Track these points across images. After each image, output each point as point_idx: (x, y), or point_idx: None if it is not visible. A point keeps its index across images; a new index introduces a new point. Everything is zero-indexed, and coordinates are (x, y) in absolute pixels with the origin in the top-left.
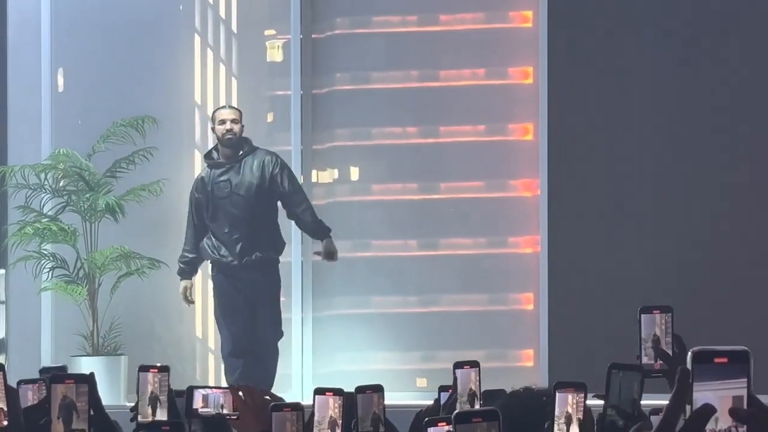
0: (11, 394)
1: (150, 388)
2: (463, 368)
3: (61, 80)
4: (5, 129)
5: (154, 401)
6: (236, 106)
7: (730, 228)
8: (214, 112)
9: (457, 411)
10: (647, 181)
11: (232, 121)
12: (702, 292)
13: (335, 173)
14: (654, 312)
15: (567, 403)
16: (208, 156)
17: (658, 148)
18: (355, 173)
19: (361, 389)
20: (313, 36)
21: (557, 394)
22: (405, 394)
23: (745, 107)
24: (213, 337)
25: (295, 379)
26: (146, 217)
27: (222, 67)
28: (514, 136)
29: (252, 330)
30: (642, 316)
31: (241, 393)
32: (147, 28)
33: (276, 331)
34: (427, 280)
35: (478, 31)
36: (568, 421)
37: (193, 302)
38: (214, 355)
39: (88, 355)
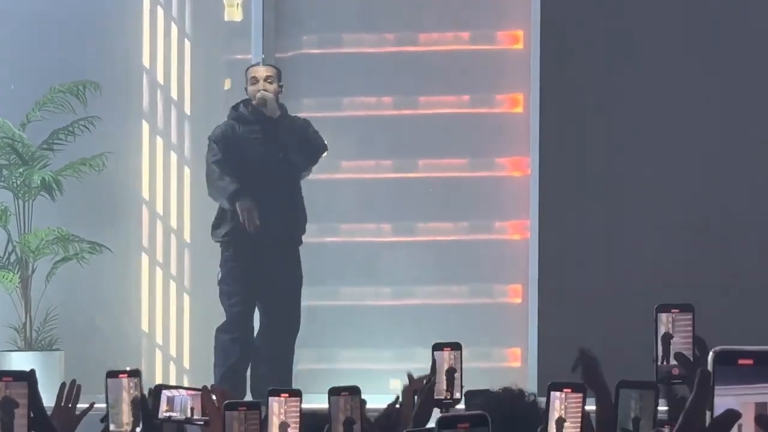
0: None
1: (125, 395)
2: (442, 350)
3: None
4: None
5: (134, 408)
6: (272, 65)
7: (739, 217)
8: (247, 69)
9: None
10: (648, 163)
11: (266, 79)
12: (711, 288)
13: None
14: (672, 311)
15: (561, 406)
16: (235, 108)
17: (661, 126)
18: None
19: (335, 391)
20: None
21: (552, 393)
22: (377, 397)
23: (749, 93)
24: (161, 332)
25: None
26: (87, 195)
27: (174, 27)
28: (502, 108)
29: (265, 320)
30: (659, 315)
31: (214, 397)
32: None
33: (295, 323)
34: (403, 270)
35: (462, 52)
36: (560, 427)
37: (258, 226)
38: (162, 352)
39: (20, 350)
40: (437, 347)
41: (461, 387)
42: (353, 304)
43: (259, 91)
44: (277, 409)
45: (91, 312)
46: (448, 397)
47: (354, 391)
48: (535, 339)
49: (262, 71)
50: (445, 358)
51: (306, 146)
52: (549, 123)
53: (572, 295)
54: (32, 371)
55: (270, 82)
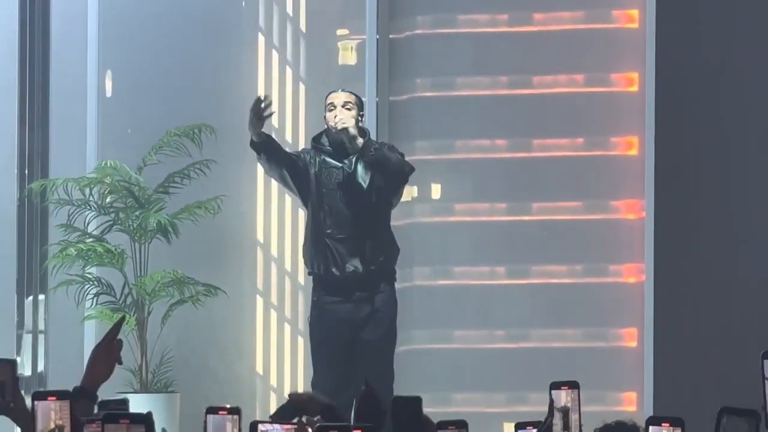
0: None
1: None
2: (560, 389)
3: (108, 84)
4: (47, 138)
5: None
6: (352, 92)
7: None
8: (327, 95)
9: None
10: (767, 203)
11: (344, 105)
12: None
13: (414, 191)
14: None
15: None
16: (316, 140)
17: None
18: (436, 191)
19: (443, 425)
20: (391, 36)
21: (650, 429)
22: None
23: None
24: (275, 374)
25: None
26: (202, 238)
27: (288, 71)
28: (617, 151)
29: (352, 373)
30: (765, 361)
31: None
32: (205, 26)
33: (388, 373)
34: (517, 312)
35: (576, 31)
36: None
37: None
38: (277, 394)
39: (135, 392)
40: (554, 386)
41: (580, 427)
42: (466, 347)
43: (335, 117)
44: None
45: (205, 354)
46: None
47: (461, 425)
48: (651, 383)
49: (341, 97)
50: (563, 397)
51: (391, 172)
52: (664, 165)
53: (688, 338)
54: (149, 414)
55: (348, 109)
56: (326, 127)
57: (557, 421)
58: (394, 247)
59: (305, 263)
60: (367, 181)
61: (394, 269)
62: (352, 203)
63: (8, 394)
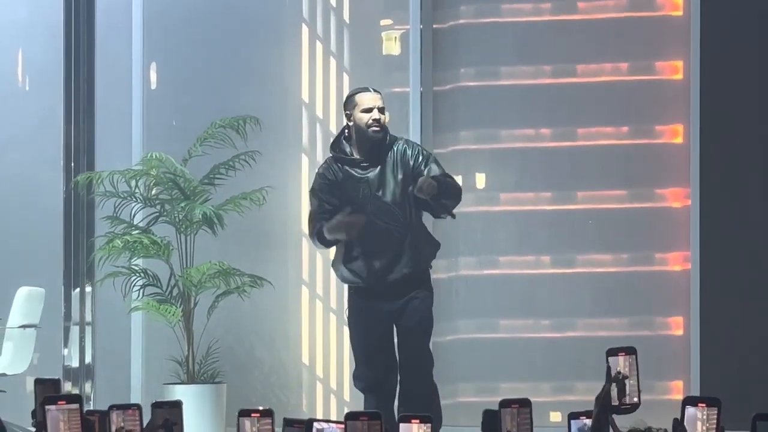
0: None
1: None
2: (617, 356)
3: (153, 76)
4: (93, 131)
5: None
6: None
7: None
8: (353, 95)
9: None
10: None
11: (380, 109)
12: None
13: (459, 180)
14: None
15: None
16: (336, 148)
17: None
18: (481, 180)
19: (505, 403)
20: (434, 26)
21: (687, 408)
22: (537, 429)
23: None
24: (321, 364)
25: None
26: (248, 230)
27: (332, 61)
28: (662, 139)
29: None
30: None
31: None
32: (249, 17)
33: (427, 360)
34: (562, 302)
35: (620, 20)
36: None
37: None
38: (323, 384)
39: (182, 383)
40: (611, 353)
41: (639, 392)
42: (512, 337)
43: (375, 119)
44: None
45: (251, 345)
46: (625, 402)
47: (524, 403)
48: (698, 371)
49: (377, 100)
50: (620, 363)
51: (451, 198)
52: (709, 153)
53: (735, 326)
54: (178, 402)
55: (383, 113)
56: (350, 127)
57: (615, 388)
58: (432, 246)
59: (342, 279)
60: (398, 192)
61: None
62: (382, 215)
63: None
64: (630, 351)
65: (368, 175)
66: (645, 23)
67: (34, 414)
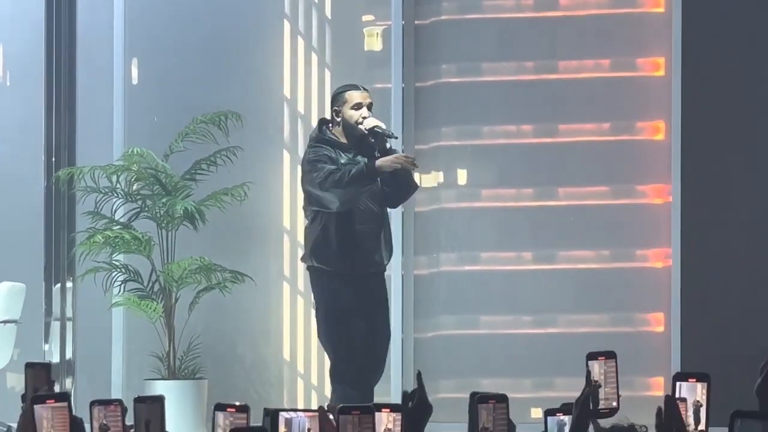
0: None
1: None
2: (597, 359)
3: (135, 72)
4: (74, 126)
5: None
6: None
7: None
8: (342, 92)
9: None
10: None
11: (369, 106)
12: None
13: (440, 176)
14: None
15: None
16: (321, 131)
17: None
18: (462, 176)
19: (483, 399)
20: (416, 22)
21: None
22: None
23: None
24: (302, 360)
25: None
26: (229, 225)
27: (314, 57)
28: (643, 136)
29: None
30: None
31: (331, 416)
32: (230, 13)
33: (388, 335)
34: (543, 298)
35: (602, 16)
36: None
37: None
38: (303, 380)
39: (163, 378)
40: (591, 356)
41: (617, 396)
42: (493, 333)
43: (364, 117)
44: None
45: (232, 341)
46: (604, 407)
47: (501, 399)
48: (678, 368)
49: (366, 96)
50: (597, 369)
51: (406, 184)
52: (690, 150)
53: (716, 323)
54: (161, 397)
55: (370, 110)
56: (333, 120)
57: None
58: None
59: (322, 262)
60: (376, 188)
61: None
62: (374, 198)
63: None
64: (610, 355)
65: (358, 158)
66: (627, 20)
67: (23, 398)
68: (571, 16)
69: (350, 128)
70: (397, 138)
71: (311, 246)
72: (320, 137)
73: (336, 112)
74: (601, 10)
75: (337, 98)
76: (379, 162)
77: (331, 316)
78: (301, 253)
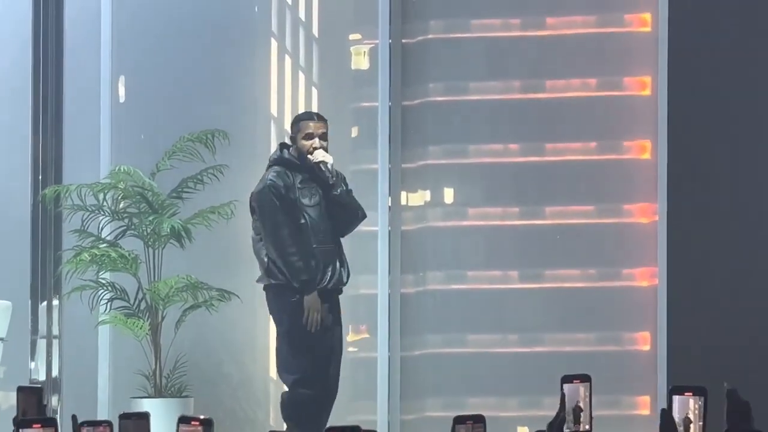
0: None
1: None
2: (572, 383)
3: (122, 89)
4: (60, 143)
5: None
6: (322, 116)
7: None
8: (298, 121)
9: None
10: None
11: (321, 137)
12: None
13: (427, 195)
14: None
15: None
16: (281, 152)
17: None
18: (449, 195)
19: (460, 420)
20: (403, 41)
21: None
22: None
23: None
24: None
25: (381, 427)
26: (216, 244)
27: (301, 76)
28: (630, 155)
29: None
30: None
31: None
32: (218, 31)
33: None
34: (530, 316)
35: (589, 35)
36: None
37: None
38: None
39: (150, 396)
40: (566, 380)
41: (590, 420)
42: (480, 351)
43: (315, 147)
44: None
45: (219, 358)
46: (577, 429)
47: (478, 419)
48: (665, 387)
49: (319, 127)
50: (574, 391)
51: (348, 214)
52: (677, 169)
53: (702, 342)
54: (146, 413)
55: (324, 140)
56: (291, 145)
57: (569, 415)
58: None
59: (290, 276)
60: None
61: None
62: (330, 216)
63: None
64: (585, 379)
65: (315, 182)
66: (613, 39)
67: (15, 421)
68: (558, 35)
69: (302, 156)
70: (332, 185)
71: (266, 265)
72: (279, 159)
73: (292, 139)
74: (587, 29)
75: (293, 126)
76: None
77: (294, 332)
78: None
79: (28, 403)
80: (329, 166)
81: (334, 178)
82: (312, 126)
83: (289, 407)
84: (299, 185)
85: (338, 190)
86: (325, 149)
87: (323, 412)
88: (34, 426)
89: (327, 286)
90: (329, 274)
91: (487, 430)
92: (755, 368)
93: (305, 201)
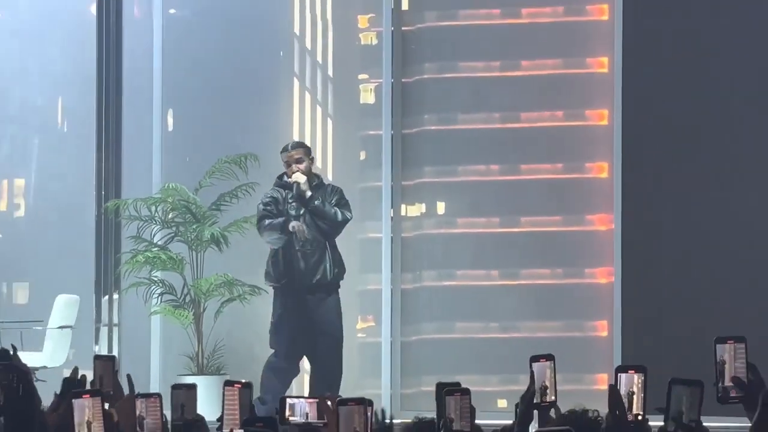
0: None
1: (235, 404)
2: (539, 361)
3: (170, 120)
4: (120, 165)
5: (243, 414)
6: (302, 141)
7: None
8: (281, 152)
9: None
10: (722, 218)
11: (297, 161)
12: None
13: (423, 207)
14: (728, 342)
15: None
16: (279, 177)
17: (736, 185)
18: (441, 208)
19: (450, 392)
20: (403, 80)
21: (619, 375)
22: (486, 414)
23: None
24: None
25: (385, 400)
26: (247, 247)
27: (318, 109)
28: (591, 174)
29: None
30: (717, 345)
31: (329, 402)
32: (250, 72)
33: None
34: (508, 308)
35: (556, 76)
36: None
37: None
38: (308, 375)
39: (193, 374)
40: (534, 359)
41: (555, 391)
42: (467, 337)
43: (293, 171)
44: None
45: (250, 343)
46: (544, 400)
47: (465, 392)
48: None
49: (292, 155)
50: (541, 369)
51: (327, 221)
52: (630, 186)
53: (651, 329)
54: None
55: (300, 162)
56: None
57: (538, 389)
58: (343, 265)
59: (271, 279)
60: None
61: (339, 283)
62: (315, 227)
63: (106, 386)
64: (549, 357)
65: (295, 204)
66: (577, 79)
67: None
68: (531, 75)
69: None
70: (307, 200)
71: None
72: (276, 181)
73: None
74: (555, 70)
75: (280, 155)
76: (291, 223)
77: (277, 316)
78: None
79: (104, 369)
80: (301, 185)
81: (308, 194)
82: (286, 156)
83: (263, 369)
84: (289, 200)
85: (313, 203)
86: (303, 171)
87: (284, 385)
88: (84, 396)
89: (314, 280)
90: (320, 273)
91: (471, 401)
92: (695, 352)
93: (292, 213)
